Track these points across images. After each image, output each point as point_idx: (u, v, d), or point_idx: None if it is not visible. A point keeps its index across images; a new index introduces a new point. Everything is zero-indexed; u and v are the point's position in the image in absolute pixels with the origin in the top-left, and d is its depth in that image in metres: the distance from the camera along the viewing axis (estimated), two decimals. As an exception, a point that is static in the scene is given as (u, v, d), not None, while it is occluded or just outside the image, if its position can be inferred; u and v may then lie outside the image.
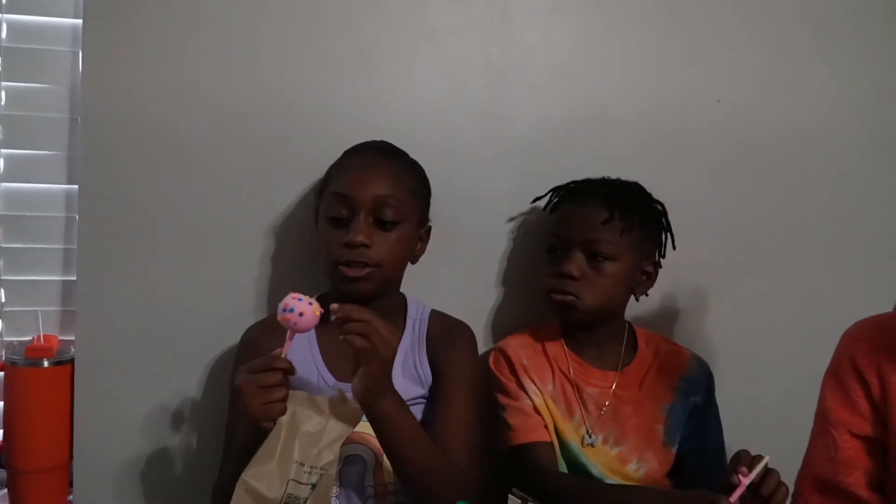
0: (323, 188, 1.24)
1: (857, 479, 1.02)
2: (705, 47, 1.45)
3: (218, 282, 1.35)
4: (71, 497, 1.34)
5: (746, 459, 1.02)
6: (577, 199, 1.30)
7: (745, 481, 0.98)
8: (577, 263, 1.25)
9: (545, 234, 1.34)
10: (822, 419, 1.06)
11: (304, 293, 1.01)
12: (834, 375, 1.06)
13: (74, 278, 1.34)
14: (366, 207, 1.16)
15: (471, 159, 1.40)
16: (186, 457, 1.37)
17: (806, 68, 1.48)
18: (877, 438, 1.02)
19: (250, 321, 1.28)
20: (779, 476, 1.02)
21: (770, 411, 1.44)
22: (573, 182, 1.35)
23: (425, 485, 1.07)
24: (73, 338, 1.34)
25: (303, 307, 0.97)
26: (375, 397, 1.02)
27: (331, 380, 1.19)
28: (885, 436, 1.00)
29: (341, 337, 0.98)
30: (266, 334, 1.21)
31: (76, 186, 1.33)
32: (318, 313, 0.98)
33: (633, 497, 1.14)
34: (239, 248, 1.35)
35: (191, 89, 1.32)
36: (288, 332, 0.99)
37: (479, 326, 1.38)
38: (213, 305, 1.35)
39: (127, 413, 1.34)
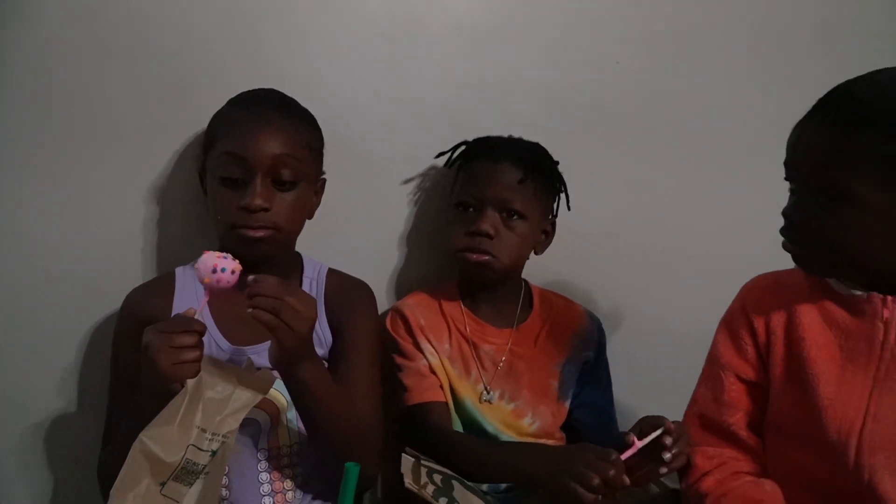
0: (209, 143, 1.17)
1: (738, 419, 1.09)
2: (606, 10, 1.44)
3: (95, 242, 1.28)
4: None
5: (649, 423, 1.03)
6: (491, 157, 1.29)
7: (639, 444, 1.01)
8: (492, 222, 1.26)
9: (454, 191, 1.33)
10: (713, 362, 1.12)
11: (193, 253, 0.98)
12: (728, 322, 1.12)
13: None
14: (263, 168, 1.11)
15: (370, 114, 1.36)
16: (66, 431, 1.30)
17: (705, 34, 1.50)
18: (759, 384, 1.08)
19: (131, 284, 1.21)
20: (688, 441, 1.04)
21: (657, 366, 1.50)
22: (480, 139, 1.34)
23: (337, 443, 1.07)
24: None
25: (233, 265, 0.97)
26: (292, 366, 1.00)
27: (225, 344, 1.15)
28: (767, 382, 1.07)
29: (249, 310, 0.95)
30: (150, 297, 1.17)
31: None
32: (239, 269, 0.98)
33: (523, 454, 1.16)
34: (118, 203, 1.28)
35: (59, 32, 1.21)
36: (205, 291, 0.97)
37: (378, 285, 1.36)
38: (91, 268, 1.28)
39: (-1, 386, 1.25)
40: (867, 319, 0.99)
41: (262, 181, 1.11)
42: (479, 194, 1.27)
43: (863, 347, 0.99)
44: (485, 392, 1.29)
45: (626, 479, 1.00)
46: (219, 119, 1.18)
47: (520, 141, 1.33)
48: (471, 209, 1.28)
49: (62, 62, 1.23)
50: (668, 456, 1.00)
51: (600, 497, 0.99)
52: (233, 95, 1.19)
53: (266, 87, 1.22)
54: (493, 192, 1.26)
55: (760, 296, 1.10)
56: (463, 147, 1.35)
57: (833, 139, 0.92)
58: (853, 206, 0.91)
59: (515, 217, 1.27)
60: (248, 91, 1.20)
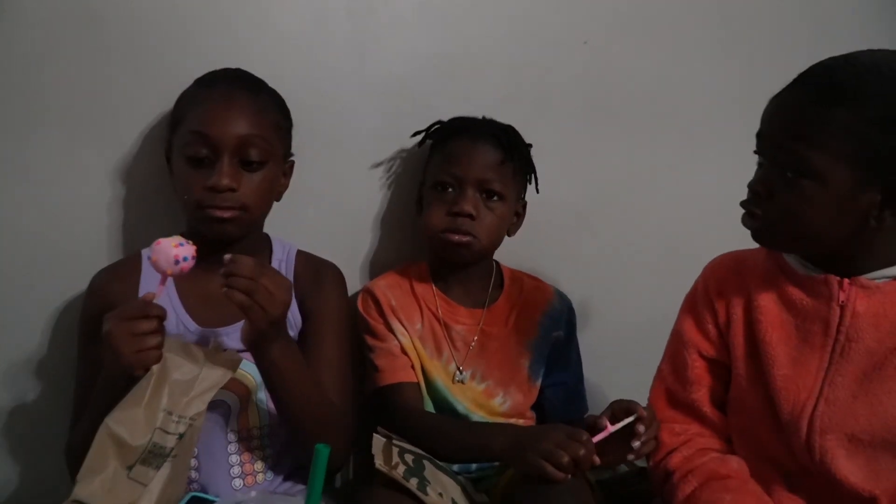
0: (176, 123, 1.15)
1: (702, 395, 1.10)
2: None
3: (62, 222, 1.25)
4: None
5: (621, 407, 1.04)
6: (469, 137, 1.28)
7: (611, 428, 1.02)
8: (473, 202, 1.25)
9: (429, 171, 1.32)
10: (677, 339, 1.13)
11: (160, 234, 0.96)
12: (690, 301, 1.14)
13: None
14: (229, 148, 1.09)
15: (336, 94, 1.34)
16: (32, 414, 1.28)
17: (675, 13, 1.49)
18: (720, 361, 1.10)
19: (97, 266, 1.19)
20: (658, 427, 1.05)
21: (626, 346, 1.51)
22: (456, 119, 1.33)
23: (307, 424, 1.07)
24: None
25: (192, 251, 0.95)
26: (264, 348, 1.01)
27: (192, 325, 1.14)
28: (728, 359, 1.09)
29: (224, 290, 0.94)
30: (117, 280, 1.15)
31: None
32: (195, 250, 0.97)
33: (494, 434, 1.16)
34: (84, 185, 1.25)
35: (21, 10, 1.18)
36: (161, 277, 0.95)
37: (347, 266, 1.35)
38: (57, 248, 1.25)
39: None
40: (823, 301, 0.99)
41: (229, 161, 1.10)
42: (459, 174, 1.26)
43: (818, 329, 1.00)
44: (458, 372, 1.29)
45: (597, 459, 1.01)
46: (185, 98, 1.16)
47: (494, 122, 1.33)
48: (450, 189, 1.27)
49: (24, 42, 1.19)
50: (637, 444, 1.01)
51: (569, 476, 1.00)
52: (199, 75, 1.17)
53: (230, 65, 1.20)
54: (473, 173, 1.25)
55: (722, 276, 1.11)
56: (437, 126, 1.34)
57: (806, 113, 0.93)
58: (815, 180, 0.92)
59: (495, 198, 1.27)
60: (216, 70, 1.18)
